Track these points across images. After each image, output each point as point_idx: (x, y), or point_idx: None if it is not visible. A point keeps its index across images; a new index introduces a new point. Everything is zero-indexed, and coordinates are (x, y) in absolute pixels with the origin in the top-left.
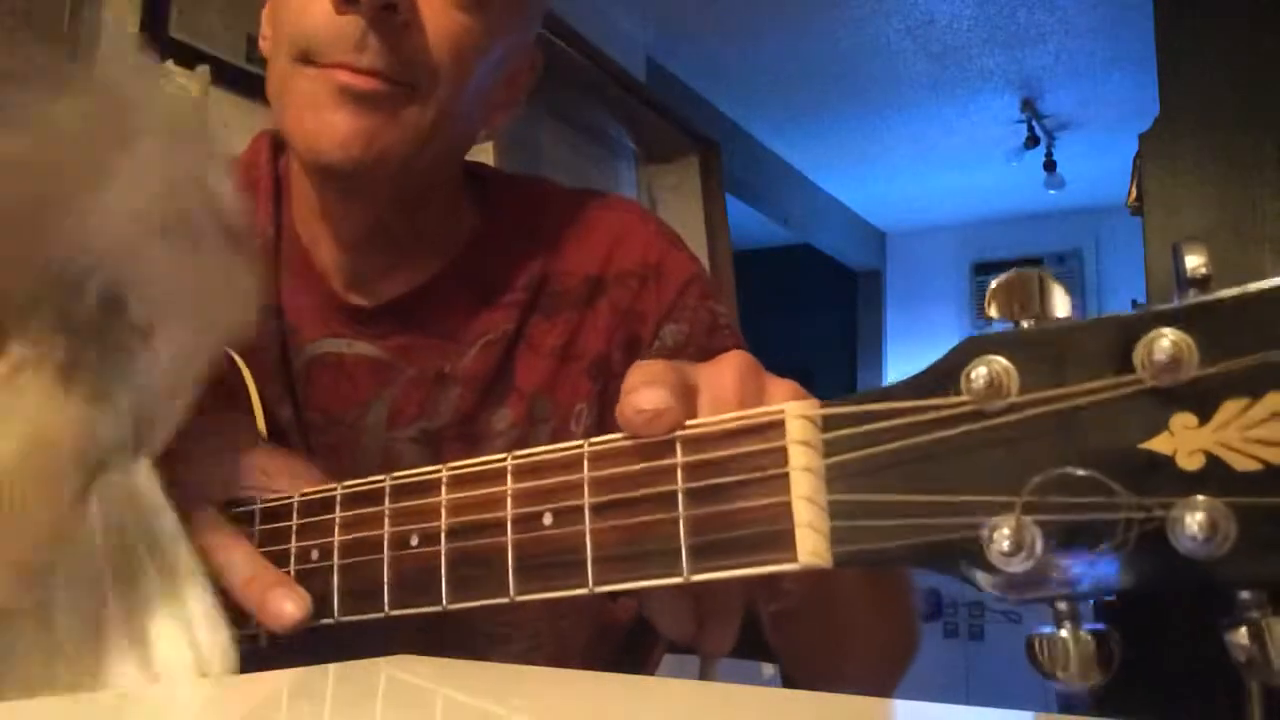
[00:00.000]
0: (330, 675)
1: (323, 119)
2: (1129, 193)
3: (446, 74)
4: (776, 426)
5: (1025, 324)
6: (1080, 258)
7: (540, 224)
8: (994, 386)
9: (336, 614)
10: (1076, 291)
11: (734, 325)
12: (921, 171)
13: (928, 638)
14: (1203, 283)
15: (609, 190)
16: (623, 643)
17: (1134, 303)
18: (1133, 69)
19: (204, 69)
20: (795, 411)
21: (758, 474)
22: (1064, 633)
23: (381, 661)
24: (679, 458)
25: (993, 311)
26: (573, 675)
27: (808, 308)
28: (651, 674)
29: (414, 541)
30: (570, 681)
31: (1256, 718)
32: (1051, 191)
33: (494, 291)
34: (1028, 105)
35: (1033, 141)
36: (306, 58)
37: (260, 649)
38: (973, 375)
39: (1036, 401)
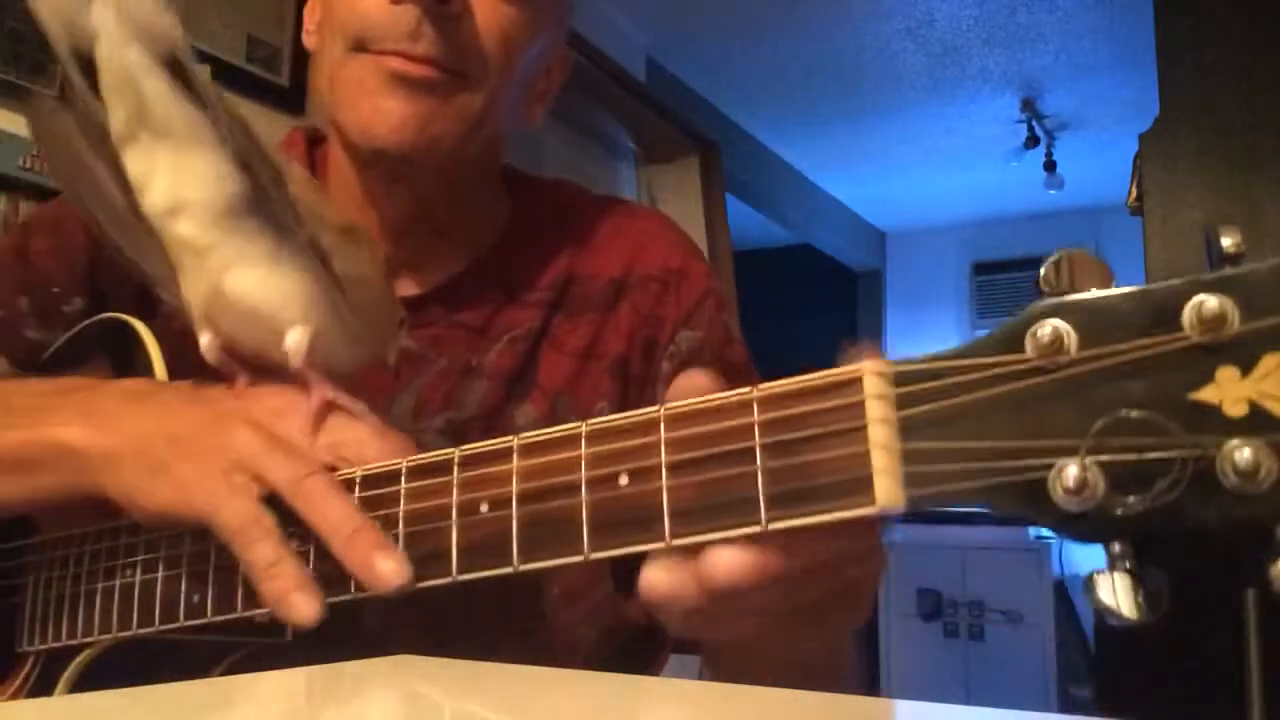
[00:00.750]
0: (325, 675)
1: (377, 104)
2: (1129, 193)
3: (495, 63)
4: (853, 383)
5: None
6: None
7: (568, 226)
8: (1055, 344)
9: None
10: None
11: (743, 341)
12: (921, 171)
13: (928, 637)
14: (1236, 258)
15: (609, 190)
16: (630, 644)
17: None
18: (1133, 69)
19: (204, 69)
20: (871, 369)
21: (835, 426)
22: (1120, 572)
23: (383, 661)
24: (756, 416)
25: (1044, 285)
26: (571, 675)
27: (808, 308)
28: (656, 675)
29: (484, 508)
30: (570, 681)
31: (1256, 715)
32: (1051, 191)
33: (521, 289)
34: (1028, 105)
35: (1033, 141)
36: (360, 45)
37: (280, 645)
38: (1038, 334)
39: (1095, 357)
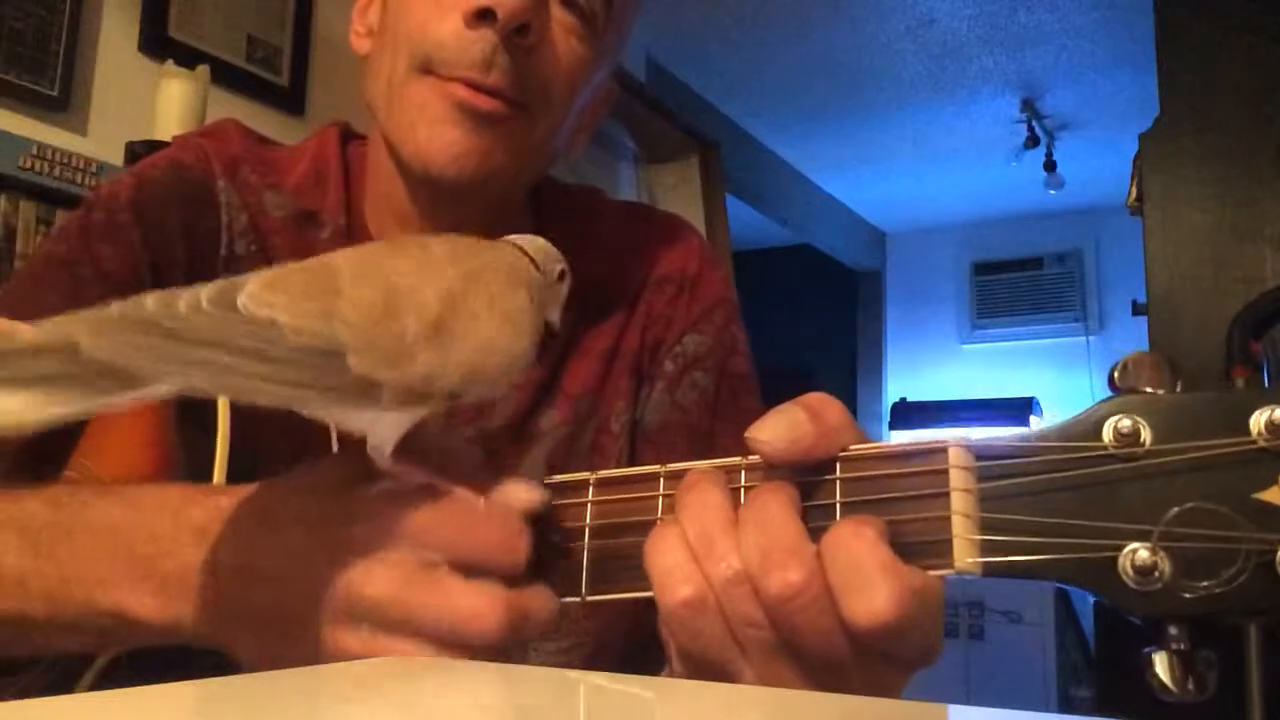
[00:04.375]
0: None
1: (437, 132)
2: (1129, 193)
3: (557, 99)
4: (939, 452)
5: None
6: (1080, 258)
7: (594, 232)
8: (1133, 436)
9: None
10: (1076, 291)
11: (750, 355)
12: (921, 171)
13: None
14: None
15: (608, 190)
16: (652, 648)
17: (1134, 304)
18: (1133, 69)
19: (204, 69)
20: (956, 442)
21: (918, 492)
22: (1174, 652)
23: (384, 662)
24: (839, 473)
25: (1117, 383)
26: (563, 674)
27: (808, 308)
28: None
29: (555, 538)
30: (561, 678)
31: (1257, 715)
32: (1051, 191)
33: None
34: (1028, 105)
35: (1033, 141)
36: (426, 67)
37: None
38: (1118, 425)
39: (1170, 451)
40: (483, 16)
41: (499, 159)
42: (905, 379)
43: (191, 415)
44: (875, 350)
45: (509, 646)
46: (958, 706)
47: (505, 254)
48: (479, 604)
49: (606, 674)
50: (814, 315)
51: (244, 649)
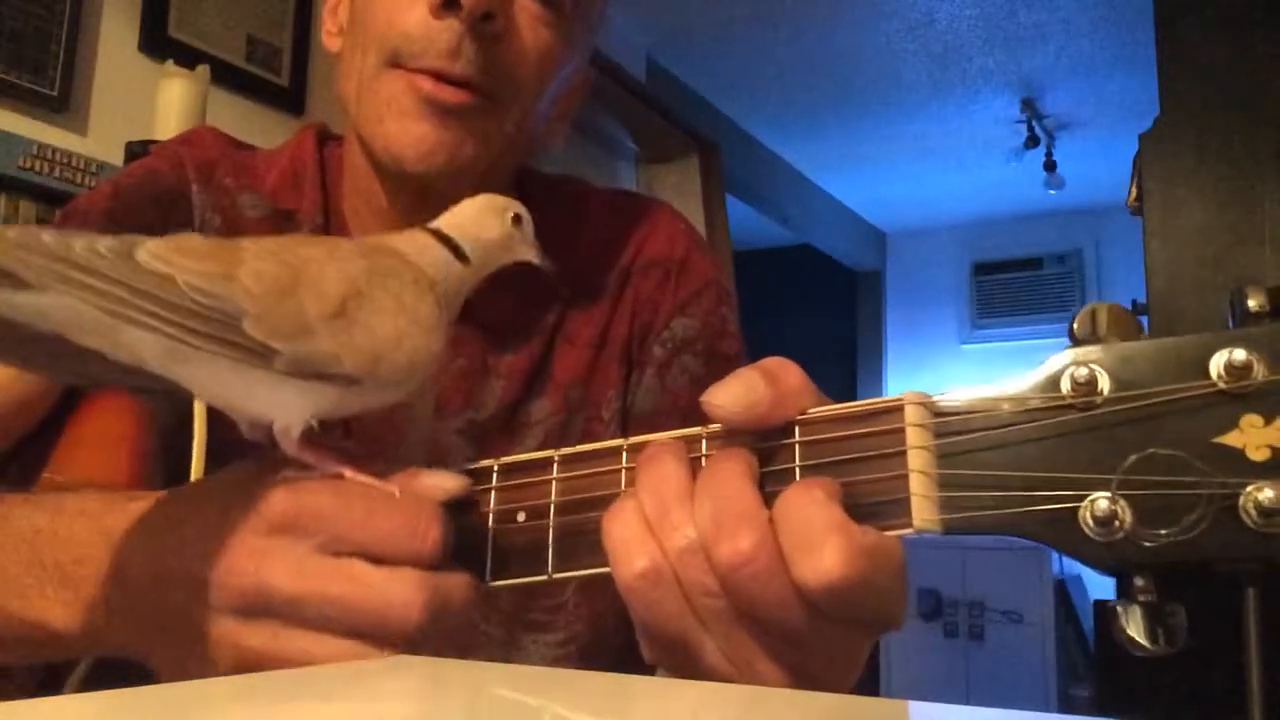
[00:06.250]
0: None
1: (407, 127)
2: (1129, 193)
3: (527, 87)
4: (895, 411)
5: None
6: (1080, 258)
7: (578, 221)
8: (1090, 385)
9: None
10: (1076, 291)
11: (740, 335)
12: (921, 171)
13: (928, 638)
14: (1260, 317)
15: None
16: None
17: (1134, 303)
18: (1133, 69)
19: (204, 69)
20: (912, 399)
21: (876, 452)
22: (1142, 605)
23: (383, 662)
24: (797, 437)
25: (1077, 333)
26: (557, 674)
27: (808, 308)
28: None
29: (520, 517)
30: (556, 680)
31: (1257, 714)
32: (1051, 191)
33: (535, 285)
34: (1028, 105)
35: (1033, 141)
36: (394, 61)
37: None
38: (1074, 375)
39: (1127, 399)
40: (448, 6)
41: (469, 151)
42: (905, 379)
43: (171, 417)
44: (875, 350)
45: (435, 636)
46: (926, 704)
47: (410, 267)
48: (390, 591)
49: (580, 687)
50: (814, 315)
51: (157, 659)
